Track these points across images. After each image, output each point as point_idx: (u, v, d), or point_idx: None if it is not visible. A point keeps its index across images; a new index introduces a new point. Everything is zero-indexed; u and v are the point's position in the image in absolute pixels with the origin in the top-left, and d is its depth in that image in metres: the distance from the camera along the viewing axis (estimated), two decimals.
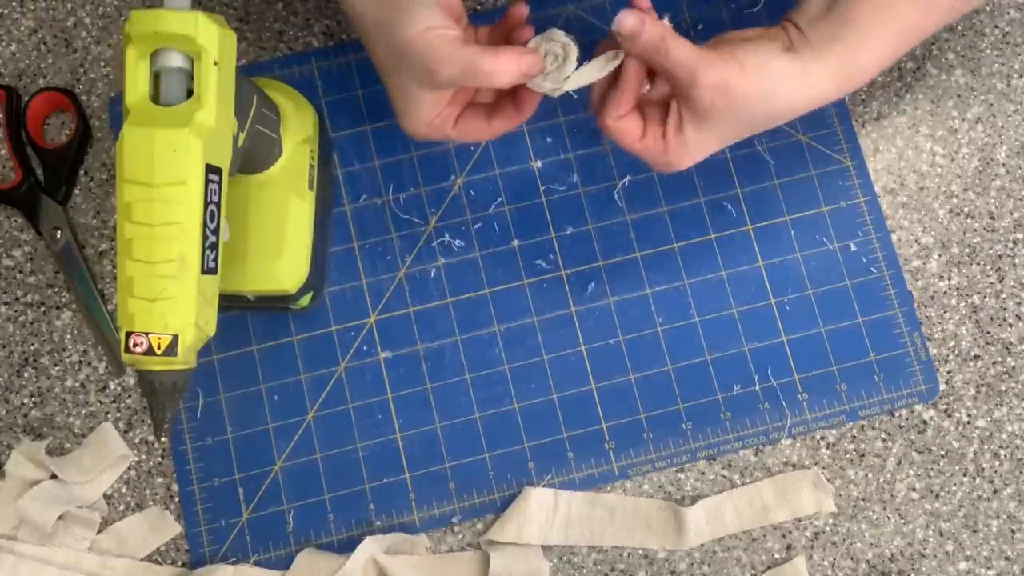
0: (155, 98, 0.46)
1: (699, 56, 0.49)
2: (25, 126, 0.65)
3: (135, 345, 0.45)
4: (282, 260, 0.57)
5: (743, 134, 0.52)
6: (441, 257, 0.65)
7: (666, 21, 0.49)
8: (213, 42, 0.45)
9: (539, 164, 0.66)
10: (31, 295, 0.65)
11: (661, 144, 0.52)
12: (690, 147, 0.51)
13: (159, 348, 0.45)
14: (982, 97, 0.67)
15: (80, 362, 0.64)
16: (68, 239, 0.64)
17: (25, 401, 0.63)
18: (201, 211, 0.45)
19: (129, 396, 0.63)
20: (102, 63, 0.67)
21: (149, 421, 0.63)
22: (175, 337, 0.45)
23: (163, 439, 0.48)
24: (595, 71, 0.51)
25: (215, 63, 0.45)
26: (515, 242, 0.65)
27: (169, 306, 0.44)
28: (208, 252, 0.46)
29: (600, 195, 0.65)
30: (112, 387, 0.63)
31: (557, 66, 0.51)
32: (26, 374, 0.64)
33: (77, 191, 0.66)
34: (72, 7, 0.68)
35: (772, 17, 0.66)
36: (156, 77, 0.46)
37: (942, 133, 0.66)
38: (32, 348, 0.64)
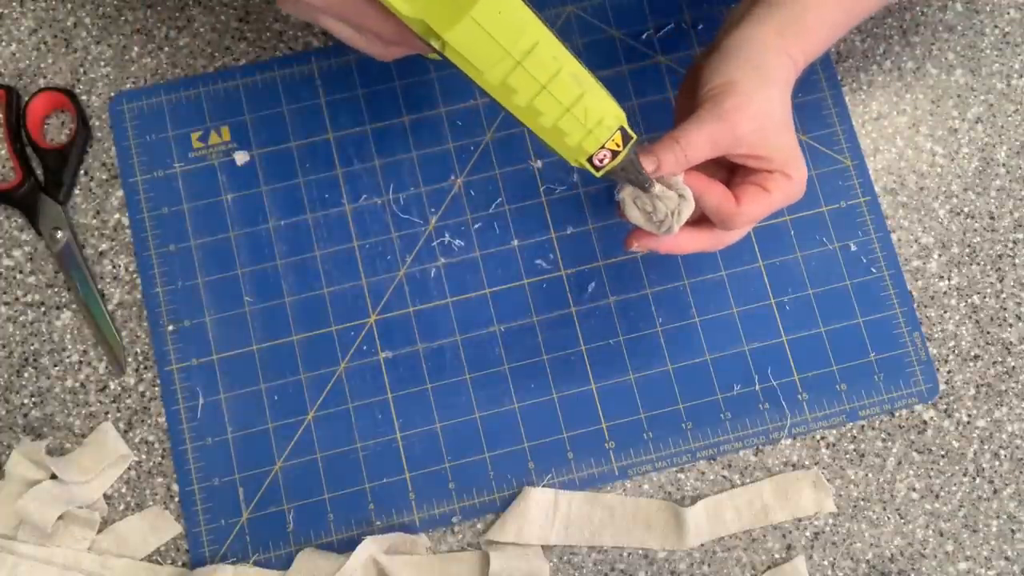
0: None
1: (702, 109, 0.50)
2: (25, 126, 0.65)
3: (600, 161, 0.47)
4: None
5: (786, 106, 0.52)
6: (441, 257, 0.65)
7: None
8: None
9: (539, 164, 0.66)
10: (31, 295, 0.65)
11: (767, 181, 0.52)
12: (783, 150, 0.51)
13: (619, 145, 0.47)
14: (982, 97, 0.67)
15: (80, 362, 0.64)
16: (68, 239, 0.64)
17: (25, 401, 0.63)
18: (554, 35, 0.45)
19: (129, 396, 0.63)
20: (102, 63, 0.67)
21: (153, 419, 0.63)
22: (621, 128, 0.47)
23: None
24: (688, 210, 0.51)
25: None
26: (515, 242, 0.65)
27: (597, 116, 0.46)
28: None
29: (600, 195, 0.65)
30: (112, 387, 0.63)
31: (667, 215, 0.51)
32: (26, 374, 0.64)
33: (77, 191, 0.66)
34: (72, 7, 0.68)
35: None
36: None
37: (942, 133, 0.66)
38: (32, 348, 0.64)
